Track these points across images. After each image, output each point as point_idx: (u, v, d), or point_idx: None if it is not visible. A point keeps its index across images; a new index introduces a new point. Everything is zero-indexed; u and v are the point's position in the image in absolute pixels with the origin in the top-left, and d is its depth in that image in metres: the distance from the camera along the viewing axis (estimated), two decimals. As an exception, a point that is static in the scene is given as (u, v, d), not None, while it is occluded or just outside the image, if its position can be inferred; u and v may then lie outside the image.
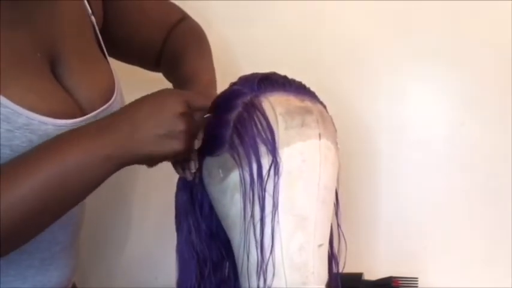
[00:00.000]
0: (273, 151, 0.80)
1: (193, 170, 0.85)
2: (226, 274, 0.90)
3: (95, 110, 0.86)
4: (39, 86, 0.80)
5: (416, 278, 1.23)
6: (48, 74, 0.83)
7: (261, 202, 0.81)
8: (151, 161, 0.79)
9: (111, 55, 0.96)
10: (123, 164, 0.76)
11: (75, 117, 0.82)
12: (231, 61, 1.25)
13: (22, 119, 0.75)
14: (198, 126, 0.81)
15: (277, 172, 0.80)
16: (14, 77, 0.76)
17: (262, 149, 0.81)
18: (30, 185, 0.72)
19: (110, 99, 0.89)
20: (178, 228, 0.89)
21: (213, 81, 0.97)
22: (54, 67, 0.85)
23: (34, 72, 0.81)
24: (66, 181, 0.74)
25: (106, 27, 0.98)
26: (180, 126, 0.76)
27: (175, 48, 1.04)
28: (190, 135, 0.78)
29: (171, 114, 0.76)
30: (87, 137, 0.76)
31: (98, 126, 0.77)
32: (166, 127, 0.75)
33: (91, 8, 0.93)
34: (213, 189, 0.85)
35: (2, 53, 0.76)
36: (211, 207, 0.88)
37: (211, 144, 0.84)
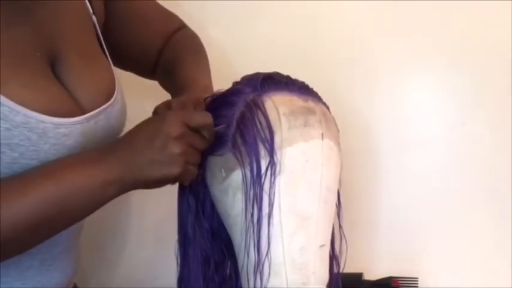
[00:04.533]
0: (271, 151, 0.80)
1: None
2: (228, 274, 0.90)
3: (95, 108, 0.86)
4: (38, 84, 0.80)
5: (416, 278, 1.23)
6: (48, 73, 0.83)
7: (259, 202, 0.81)
8: (150, 185, 0.80)
9: (111, 58, 0.96)
10: (122, 189, 0.78)
11: (75, 116, 0.82)
12: (227, 62, 1.25)
13: (20, 117, 0.75)
14: (200, 145, 0.81)
15: (273, 172, 0.80)
16: (12, 76, 0.76)
17: (263, 149, 0.81)
18: (29, 202, 0.73)
19: (110, 98, 0.89)
20: (181, 228, 0.89)
21: (210, 88, 0.97)
22: (54, 66, 0.85)
23: (33, 71, 0.81)
24: (65, 202, 0.76)
25: (105, 33, 0.98)
26: (175, 149, 0.77)
27: (172, 57, 1.04)
28: (187, 158, 0.78)
29: (166, 138, 0.77)
30: (88, 161, 0.78)
31: (100, 152, 0.79)
32: (162, 152, 0.77)
33: (92, 8, 0.93)
34: (215, 189, 0.85)
35: (1, 52, 0.76)
36: (213, 207, 0.88)
37: (214, 143, 0.84)
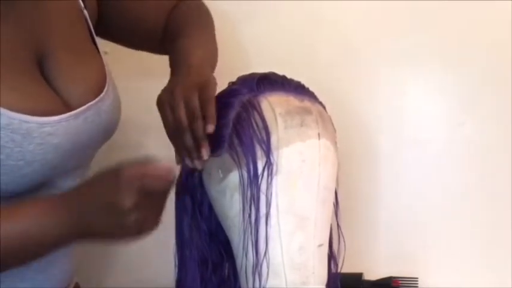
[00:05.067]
0: (268, 152, 0.81)
1: (206, 158, 0.81)
2: (226, 275, 0.90)
3: (83, 105, 0.85)
4: (22, 85, 0.80)
5: (416, 278, 1.23)
6: (34, 73, 0.83)
7: (256, 203, 0.81)
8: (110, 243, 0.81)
9: (117, 42, 0.96)
10: (76, 242, 0.80)
11: (61, 114, 0.82)
12: (227, 61, 1.25)
13: (3, 119, 0.75)
14: (159, 207, 0.79)
15: (270, 173, 0.81)
16: None
17: (260, 150, 0.81)
18: None
19: (100, 93, 0.88)
20: (178, 229, 0.89)
21: (207, 57, 0.94)
22: (42, 64, 0.84)
23: (18, 71, 0.80)
24: (22, 245, 0.77)
25: (106, 19, 0.97)
26: (128, 221, 0.75)
27: (176, 25, 1.01)
28: (143, 222, 0.78)
29: (119, 212, 0.75)
30: (47, 211, 0.78)
31: (59, 205, 0.78)
32: (114, 226, 0.77)
33: (83, 3, 0.92)
34: (213, 190, 0.85)
35: None
36: (210, 208, 0.88)
37: (211, 144, 0.83)
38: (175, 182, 0.80)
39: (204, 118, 0.80)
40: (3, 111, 0.75)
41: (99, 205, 0.76)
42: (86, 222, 0.77)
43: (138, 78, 1.26)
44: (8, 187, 0.79)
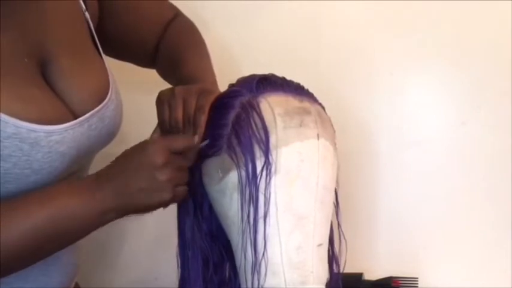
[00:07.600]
0: (266, 151, 0.81)
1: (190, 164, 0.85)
2: (227, 275, 0.90)
3: (88, 112, 0.85)
4: (28, 93, 0.79)
5: (416, 278, 1.23)
6: (38, 79, 0.82)
7: (254, 202, 0.81)
8: (144, 211, 0.82)
9: (105, 53, 0.95)
10: (118, 216, 0.81)
11: (67, 121, 0.82)
12: (227, 62, 1.25)
13: (10, 129, 0.75)
14: (185, 165, 0.83)
15: (269, 172, 0.81)
16: (1, 86, 0.75)
17: (259, 150, 0.81)
18: (24, 228, 0.76)
19: (104, 99, 0.88)
20: (181, 230, 0.89)
21: (216, 82, 0.97)
22: (44, 70, 0.83)
23: (22, 78, 0.79)
24: (62, 228, 0.79)
25: (100, 27, 0.97)
26: (162, 177, 0.79)
27: (172, 48, 1.03)
28: (175, 183, 0.80)
29: (152, 168, 0.78)
30: (85, 190, 0.79)
31: (95, 180, 0.80)
32: (150, 182, 0.79)
33: (85, 4, 0.92)
34: (212, 190, 0.86)
35: None
36: (210, 208, 0.88)
37: (210, 144, 0.84)
38: (201, 145, 0.83)
39: (194, 126, 0.83)
40: (11, 120, 0.75)
41: (132, 168, 0.79)
42: (124, 188, 0.79)
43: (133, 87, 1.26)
44: (15, 195, 0.78)
